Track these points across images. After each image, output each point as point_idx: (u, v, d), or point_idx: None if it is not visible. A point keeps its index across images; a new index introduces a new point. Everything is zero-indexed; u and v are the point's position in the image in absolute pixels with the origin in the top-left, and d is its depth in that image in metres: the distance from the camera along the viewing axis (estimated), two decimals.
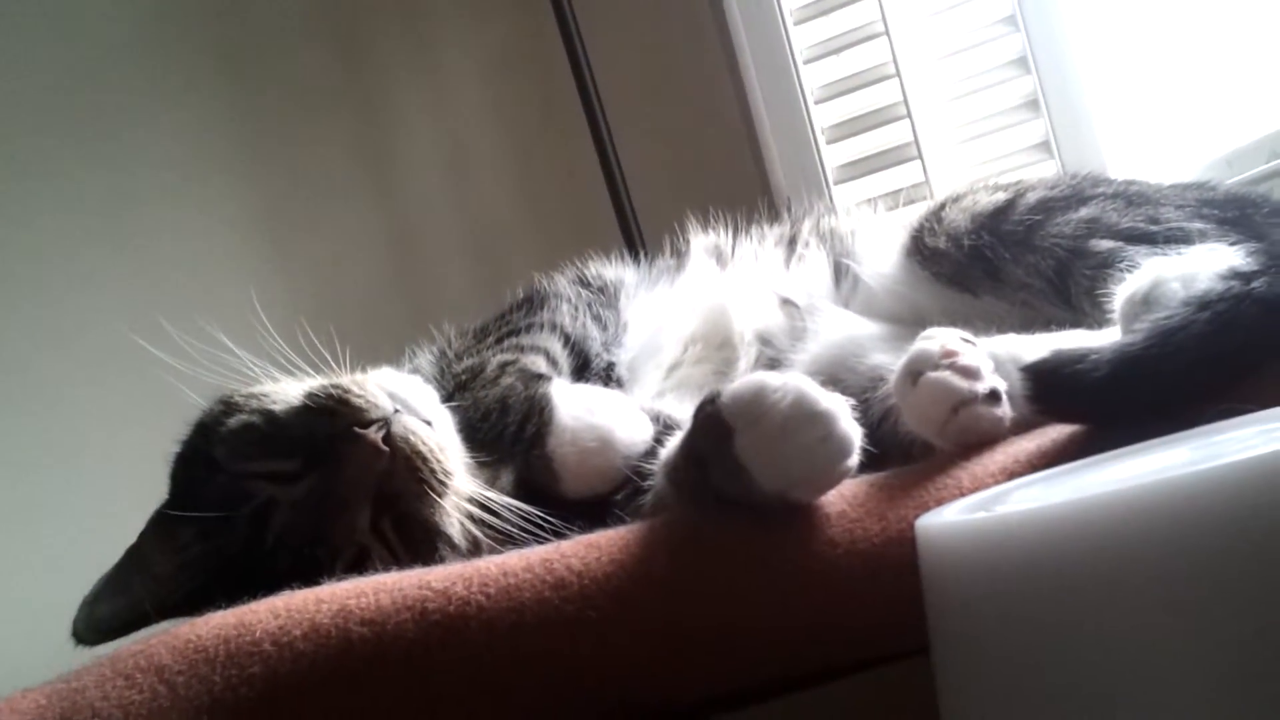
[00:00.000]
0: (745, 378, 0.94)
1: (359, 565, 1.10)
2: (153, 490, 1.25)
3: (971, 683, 0.67)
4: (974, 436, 0.99)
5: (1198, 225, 1.21)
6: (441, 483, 1.16)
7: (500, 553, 1.02)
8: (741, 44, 2.51)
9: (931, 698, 0.71)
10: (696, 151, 2.64)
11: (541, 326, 1.42)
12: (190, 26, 2.79)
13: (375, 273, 2.81)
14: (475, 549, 1.15)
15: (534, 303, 1.49)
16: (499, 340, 1.41)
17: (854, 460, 0.90)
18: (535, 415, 1.24)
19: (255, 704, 0.83)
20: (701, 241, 1.61)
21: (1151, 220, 1.24)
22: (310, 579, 0.98)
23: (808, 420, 0.88)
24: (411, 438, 1.16)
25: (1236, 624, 0.54)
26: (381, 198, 2.86)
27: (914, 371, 1.03)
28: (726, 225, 1.62)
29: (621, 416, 1.25)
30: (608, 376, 1.41)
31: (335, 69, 2.85)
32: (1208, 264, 1.04)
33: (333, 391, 1.18)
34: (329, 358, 1.27)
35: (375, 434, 1.14)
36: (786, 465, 0.89)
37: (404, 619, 0.86)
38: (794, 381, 0.90)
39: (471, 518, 1.16)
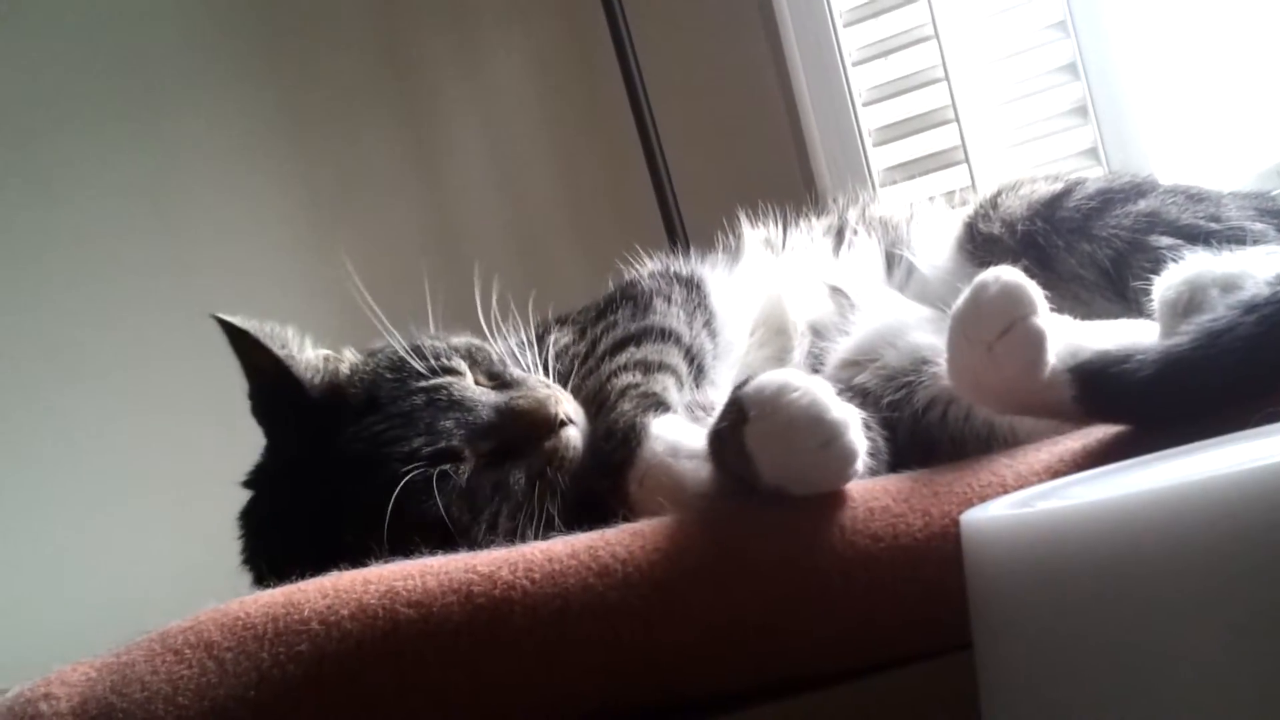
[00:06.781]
0: (774, 372, 0.97)
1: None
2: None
3: (1013, 679, 0.67)
4: (1018, 363, 0.98)
5: (1258, 226, 1.20)
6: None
7: None
8: (790, 45, 2.51)
9: (972, 694, 0.71)
10: (742, 152, 2.64)
11: (664, 335, 1.36)
12: (240, 22, 2.84)
13: (416, 268, 2.83)
14: None
15: (638, 302, 1.44)
16: (613, 352, 1.35)
17: (854, 470, 0.93)
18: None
19: (302, 681, 0.84)
20: (754, 235, 1.59)
21: (1213, 218, 1.23)
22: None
23: (814, 424, 0.91)
24: (571, 452, 1.21)
25: None
26: (426, 193, 2.88)
27: (979, 284, 1.02)
28: (775, 219, 1.61)
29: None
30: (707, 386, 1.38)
31: (381, 63, 2.88)
32: (1260, 266, 1.03)
33: (542, 395, 1.23)
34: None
35: (553, 441, 1.20)
36: (787, 462, 0.93)
37: (450, 602, 0.87)
38: (814, 387, 0.93)
39: None
